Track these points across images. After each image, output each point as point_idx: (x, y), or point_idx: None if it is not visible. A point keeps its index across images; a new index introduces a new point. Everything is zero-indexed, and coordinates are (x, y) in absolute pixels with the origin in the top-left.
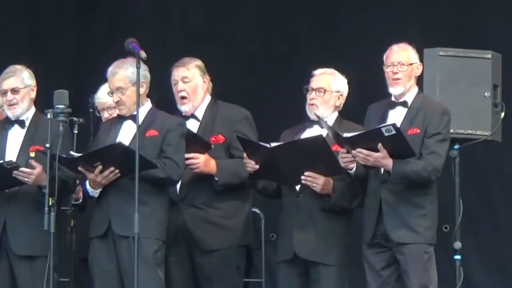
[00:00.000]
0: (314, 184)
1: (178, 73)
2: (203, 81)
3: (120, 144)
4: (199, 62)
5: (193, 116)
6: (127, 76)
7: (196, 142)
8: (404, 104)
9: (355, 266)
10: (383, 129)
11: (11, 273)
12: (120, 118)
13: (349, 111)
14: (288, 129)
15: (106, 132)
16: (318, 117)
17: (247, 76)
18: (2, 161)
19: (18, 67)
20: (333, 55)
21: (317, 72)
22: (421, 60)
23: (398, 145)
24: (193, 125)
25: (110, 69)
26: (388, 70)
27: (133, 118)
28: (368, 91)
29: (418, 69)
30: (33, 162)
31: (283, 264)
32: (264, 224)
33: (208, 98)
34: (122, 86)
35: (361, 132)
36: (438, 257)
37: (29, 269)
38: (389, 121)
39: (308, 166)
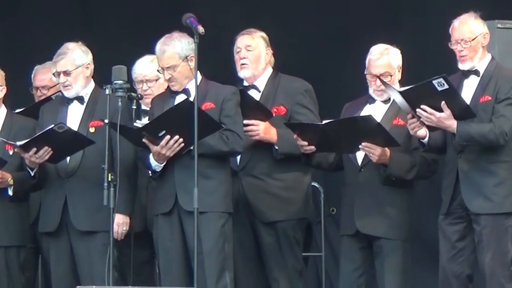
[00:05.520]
0: (371, 154)
1: (242, 41)
2: (266, 53)
3: (187, 100)
4: (264, 34)
5: (253, 86)
6: (176, 53)
7: (257, 110)
8: (476, 73)
9: (417, 240)
10: (434, 82)
11: (71, 249)
12: (172, 93)
13: None
14: (350, 102)
15: (159, 106)
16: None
17: (307, 50)
18: (52, 126)
19: (70, 46)
20: (393, 29)
21: (374, 56)
22: None
23: (455, 103)
24: (254, 96)
25: (158, 47)
26: (453, 47)
27: (185, 91)
28: (433, 64)
29: (485, 38)
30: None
31: (345, 238)
32: (324, 198)
33: (269, 70)
34: (173, 64)
35: (413, 85)
36: None
37: (88, 244)
38: (464, 90)
39: (362, 139)
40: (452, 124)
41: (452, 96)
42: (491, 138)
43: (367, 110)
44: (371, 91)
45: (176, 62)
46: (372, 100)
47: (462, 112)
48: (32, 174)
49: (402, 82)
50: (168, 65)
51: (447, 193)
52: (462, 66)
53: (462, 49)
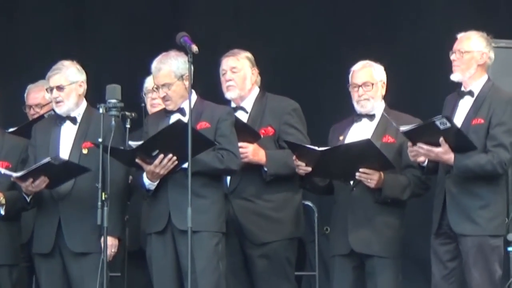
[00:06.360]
0: (369, 180)
1: (227, 63)
2: (252, 73)
3: (180, 120)
4: (249, 54)
5: (241, 108)
6: (172, 71)
7: (245, 132)
8: (470, 93)
9: (414, 258)
10: (437, 122)
11: (63, 270)
12: (167, 112)
13: (411, 103)
14: (337, 123)
15: (154, 125)
16: (385, 115)
17: (297, 69)
18: (49, 159)
19: (66, 63)
20: (384, 48)
21: (356, 67)
22: None
23: (457, 139)
24: (242, 117)
25: (154, 65)
26: (450, 57)
27: (180, 111)
28: (426, 83)
29: (481, 57)
30: None
31: (337, 258)
32: (318, 217)
33: (256, 90)
34: (168, 82)
35: (416, 125)
36: None
37: (82, 265)
38: (459, 111)
39: (359, 164)
40: (450, 158)
41: (454, 133)
42: (489, 169)
43: (354, 129)
44: (354, 104)
45: (171, 81)
46: (358, 119)
47: (464, 146)
48: (28, 200)
49: (390, 98)
50: (163, 82)
51: (436, 213)
52: (452, 76)
53: (454, 59)
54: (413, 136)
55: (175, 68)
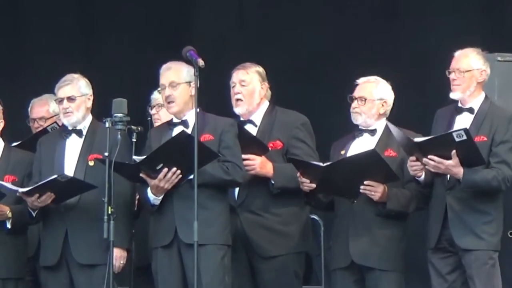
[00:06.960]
0: (373, 193)
1: (237, 76)
2: (261, 87)
3: (184, 132)
4: (260, 68)
5: (250, 121)
6: (181, 72)
7: (253, 144)
8: (470, 110)
9: (415, 271)
10: (454, 134)
11: (70, 282)
12: (170, 125)
13: (408, 117)
14: (338, 140)
15: (157, 138)
16: (388, 125)
17: (303, 83)
18: (55, 176)
19: (75, 75)
20: (390, 62)
21: (360, 81)
22: None
23: (469, 152)
24: (250, 131)
25: (164, 66)
26: (449, 76)
27: (184, 123)
28: (429, 97)
29: (481, 75)
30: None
31: (339, 272)
32: (324, 231)
33: (265, 104)
34: (175, 80)
35: (432, 136)
36: (501, 262)
37: (89, 277)
38: (456, 127)
39: (364, 178)
40: (459, 171)
41: (468, 146)
42: (494, 185)
43: (355, 144)
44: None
45: (179, 80)
46: (359, 134)
47: (473, 160)
48: (34, 215)
49: (392, 112)
50: (170, 80)
51: (434, 228)
52: (452, 94)
53: (455, 78)
54: (425, 148)
55: (184, 72)
